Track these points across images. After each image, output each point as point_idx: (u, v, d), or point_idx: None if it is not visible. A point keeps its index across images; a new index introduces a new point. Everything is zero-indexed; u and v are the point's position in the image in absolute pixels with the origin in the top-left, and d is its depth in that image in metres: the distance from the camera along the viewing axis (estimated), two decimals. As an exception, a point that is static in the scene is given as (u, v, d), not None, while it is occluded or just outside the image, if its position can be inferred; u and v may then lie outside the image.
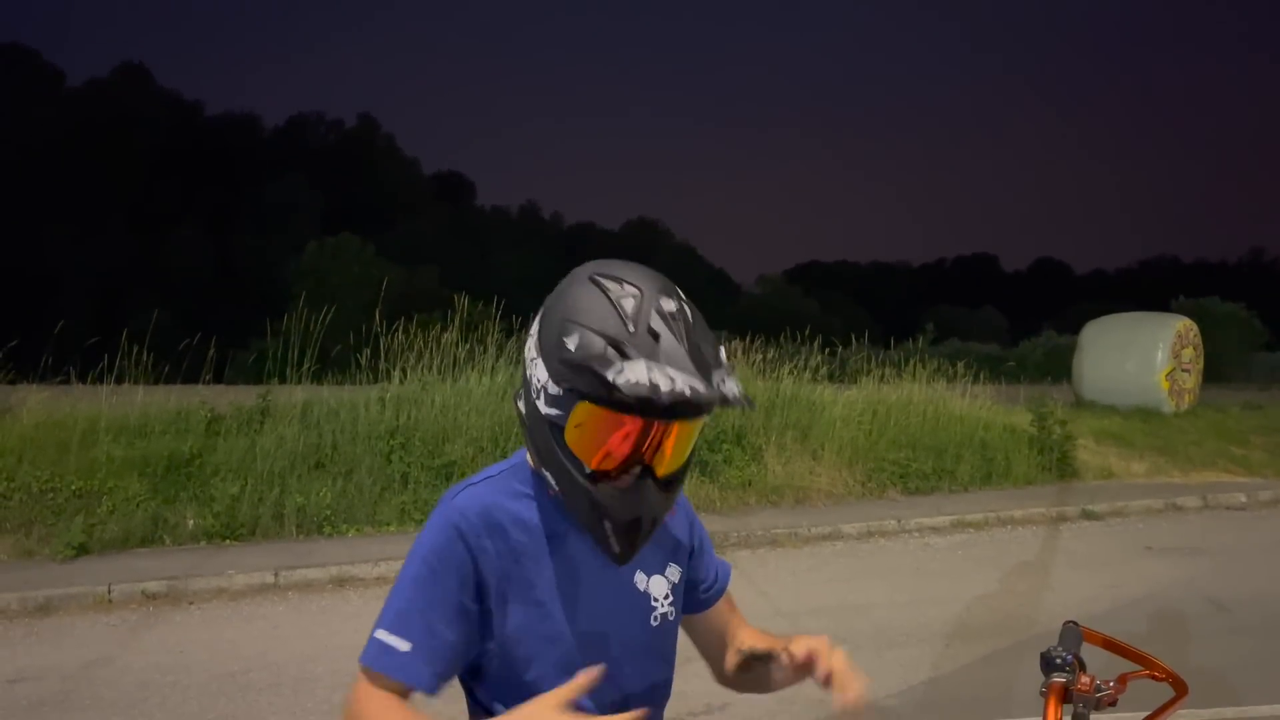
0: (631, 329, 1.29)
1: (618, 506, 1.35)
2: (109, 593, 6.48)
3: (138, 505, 7.82)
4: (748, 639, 1.60)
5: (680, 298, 1.36)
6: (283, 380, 9.70)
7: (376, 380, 10.03)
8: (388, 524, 8.28)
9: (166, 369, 9.82)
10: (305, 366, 9.68)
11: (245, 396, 9.64)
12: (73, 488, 7.82)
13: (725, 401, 1.31)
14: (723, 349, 1.38)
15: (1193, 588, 6.79)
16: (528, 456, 1.50)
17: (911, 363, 12.75)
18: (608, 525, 1.36)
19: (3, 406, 8.85)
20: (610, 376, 1.25)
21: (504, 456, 1.69)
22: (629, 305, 1.31)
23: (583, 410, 1.32)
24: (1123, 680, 1.53)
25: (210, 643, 5.78)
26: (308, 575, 6.97)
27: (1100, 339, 16.00)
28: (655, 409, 1.26)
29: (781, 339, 12.63)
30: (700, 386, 1.26)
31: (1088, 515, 9.45)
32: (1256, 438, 13.20)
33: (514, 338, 10.41)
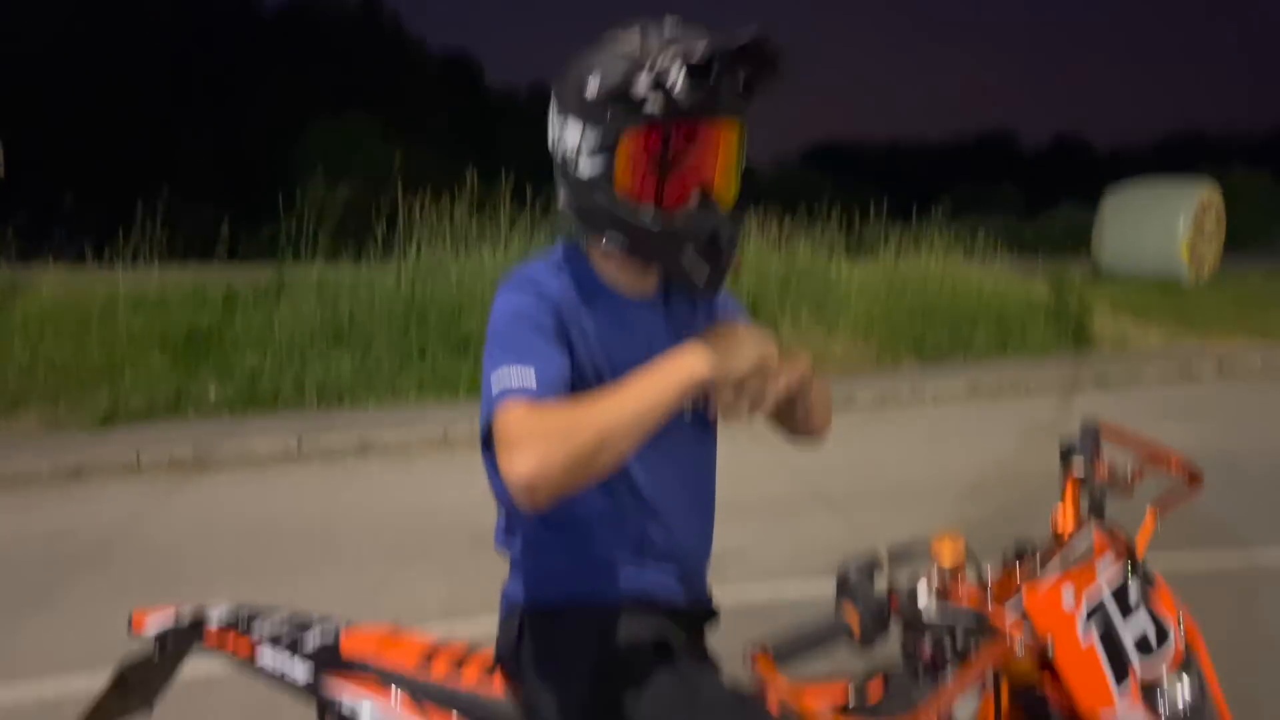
0: (647, 43, 1.33)
1: (693, 225, 1.36)
2: (138, 459, 6.61)
3: (160, 377, 7.93)
4: None
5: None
6: (296, 257, 9.70)
7: (390, 257, 10.01)
8: (407, 393, 8.38)
9: (180, 246, 9.82)
10: (319, 243, 9.66)
11: (260, 274, 9.67)
12: (96, 361, 7.92)
13: (762, 53, 1.31)
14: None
15: (1205, 449, 6.79)
16: (578, 248, 1.52)
17: (929, 234, 12.60)
18: (689, 249, 1.37)
19: (21, 284, 8.91)
20: (641, 79, 1.29)
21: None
22: (634, 36, 1.35)
23: (625, 144, 1.34)
24: (1139, 470, 1.55)
25: (239, 505, 5.94)
26: (330, 443, 7.09)
27: (1122, 208, 15.75)
28: (675, 100, 1.28)
29: (798, 212, 12.47)
30: (730, 39, 1.28)
31: (1103, 382, 9.46)
32: (1276, 306, 13.08)
33: (525, 210, 10.32)
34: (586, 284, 1.47)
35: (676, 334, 1.54)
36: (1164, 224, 14.92)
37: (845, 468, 6.52)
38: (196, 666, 3.28)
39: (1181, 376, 9.83)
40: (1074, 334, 11.20)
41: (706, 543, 1.62)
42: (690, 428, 1.56)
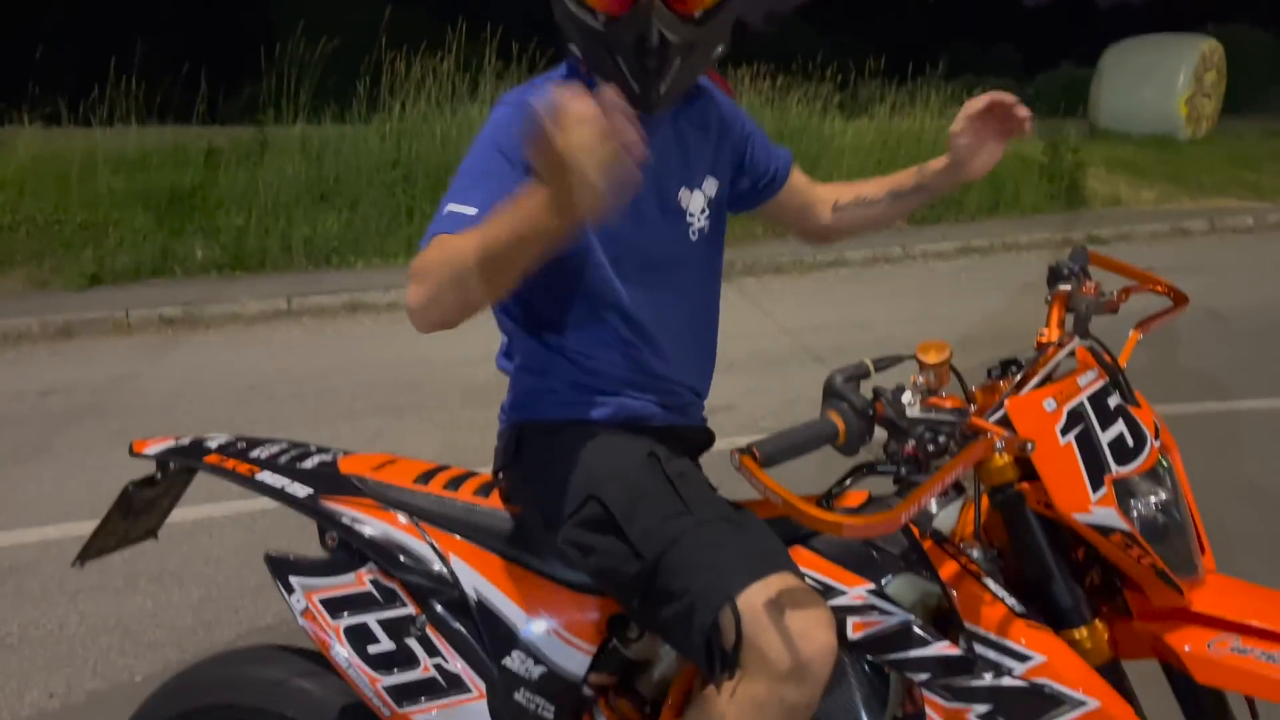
0: None
1: (622, 31, 1.32)
2: (127, 317, 6.61)
3: (145, 237, 7.86)
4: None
5: None
6: (279, 115, 9.47)
7: (375, 115, 9.78)
8: (396, 255, 8.33)
9: (158, 104, 9.56)
10: (301, 100, 9.42)
11: (242, 133, 9.46)
12: (78, 220, 7.83)
13: None
14: None
15: (1192, 302, 6.88)
16: (580, 67, 1.47)
17: (925, 91, 12.34)
18: (621, 61, 1.34)
19: (-3, 141, 8.72)
20: None
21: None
22: None
23: None
24: (1125, 290, 1.57)
25: (231, 361, 5.97)
26: (320, 302, 7.08)
27: (1121, 63, 15.39)
28: None
29: (792, 67, 12.16)
30: None
31: (1094, 240, 9.44)
32: (1271, 164, 12.97)
33: (512, 65, 10.05)
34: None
35: (684, 151, 1.52)
36: (1163, 79, 14.62)
37: (835, 325, 6.57)
38: (199, 509, 3.40)
39: (1173, 234, 9.82)
40: (1067, 193, 11.12)
41: (706, 376, 1.64)
42: (698, 265, 1.57)
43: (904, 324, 6.54)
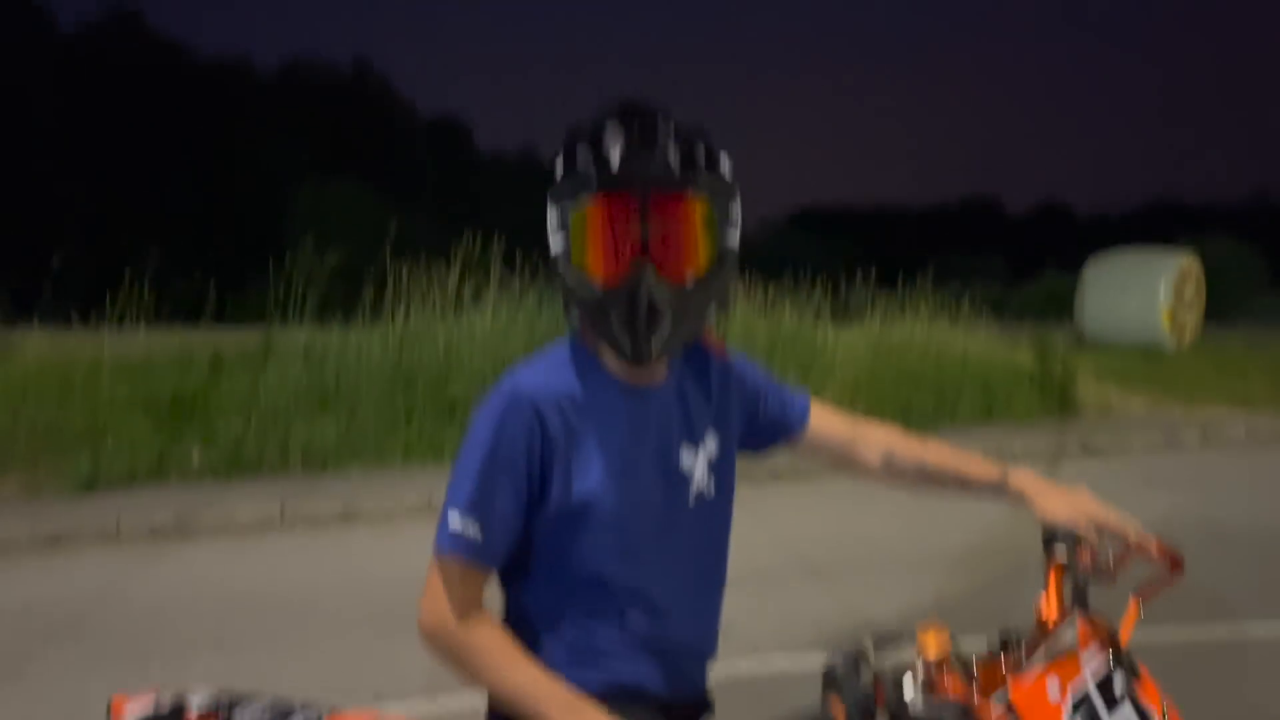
0: (595, 120, 1.41)
1: (615, 295, 1.38)
2: (117, 526, 6.53)
3: (143, 442, 7.87)
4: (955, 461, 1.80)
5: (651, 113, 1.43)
6: (284, 320, 9.70)
7: (379, 320, 10.03)
8: (393, 461, 8.33)
9: (167, 309, 9.81)
10: (307, 307, 9.67)
11: (247, 336, 9.66)
12: (78, 425, 7.86)
13: (688, 173, 1.38)
14: (707, 150, 1.43)
15: (1192, 518, 6.83)
16: (580, 339, 1.54)
17: (914, 300, 12.72)
18: (613, 318, 1.39)
19: (4, 347, 8.87)
20: (580, 153, 1.38)
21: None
22: (591, 118, 1.44)
23: (575, 220, 1.40)
24: (1122, 557, 1.56)
25: (219, 574, 5.86)
26: (314, 510, 7.02)
27: (1103, 275, 15.97)
28: (609, 170, 1.35)
29: (783, 277, 12.57)
30: (647, 150, 1.36)
31: (1088, 450, 9.49)
32: (1257, 374, 13.21)
33: (515, 275, 10.38)
34: (589, 378, 1.49)
35: (686, 413, 1.55)
36: (1145, 292, 15.13)
37: (834, 537, 6.50)
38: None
39: (1166, 444, 9.87)
40: (1059, 401, 11.26)
41: (711, 637, 1.64)
42: (701, 526, 1.58)
43: (904, 536, 6.48)
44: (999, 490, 1.72)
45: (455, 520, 1.39)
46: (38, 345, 8.79)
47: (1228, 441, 10.04)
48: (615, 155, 1.35)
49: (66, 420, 7.89)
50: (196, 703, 1.63)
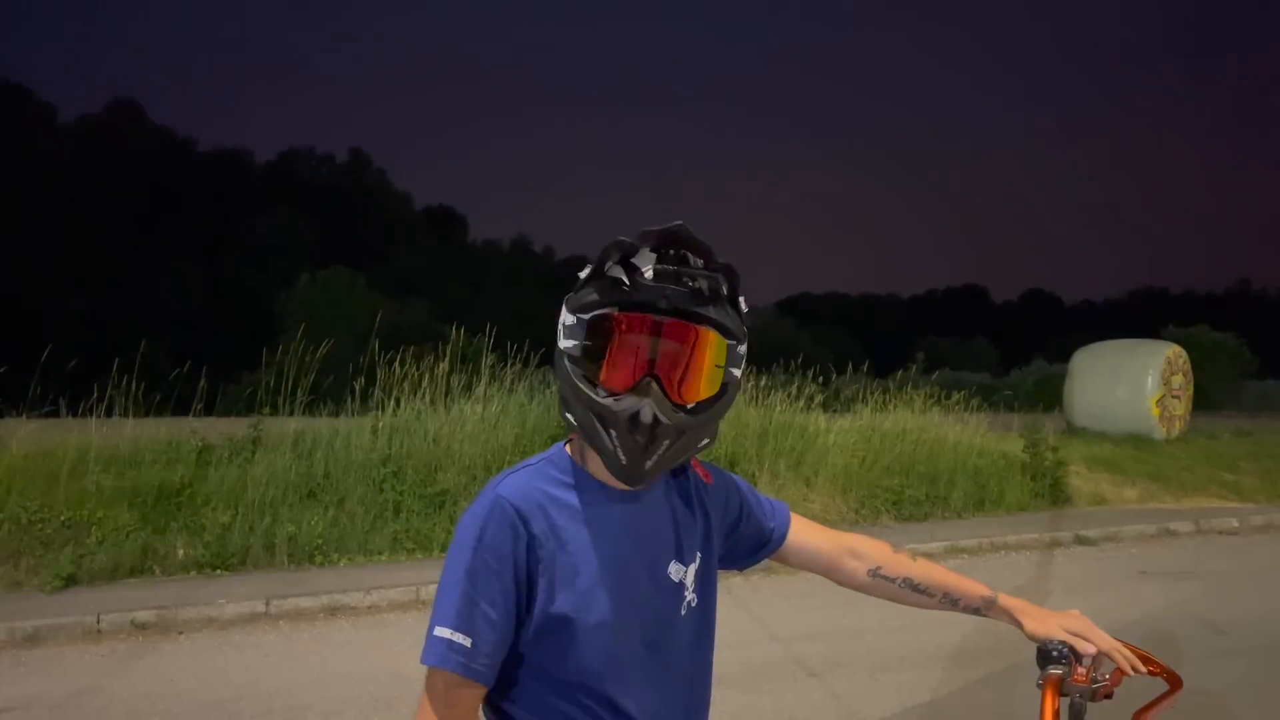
0: (628, 251, 1.43)
1: (618, 407, 1.39)
2: (98, 623, 6.41)
3: (127, 535, 7.75)
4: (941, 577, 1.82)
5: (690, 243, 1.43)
6: (274, 411, 9.66)
7: (369, 411, 10.00)
8: (380, 553, 8.23)
9: (157, 399, 9.77)
10: (298, 397, 9.65)
11: (236, 427, 9.59)
12: (62, 518, 7.74)
13: (708, 306, 1.41)
14: (730, 289, 1.46)
15: (1187, 611, 6.78)
16: (565, 447, 1.55)
17: (905, 390, 12.77)
18: (612, 434, 1.40)
19: (-8, 438, 8.79)
20: (608, 271, 1.41)
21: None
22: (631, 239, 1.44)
23: (593, 326, 1.42)
24: (1118, 673, 1.54)
25: (200, 672, 5.72)
26: (299, 604, 6.91)
27: (1091, 366, 16.08)
28: (636, 288, 1.38)
29: (774, 367, 12.65)
30: (675, 277, 1.39)
31: (1081, 541, 9.44)
32: (1247, 463, 13.25)
33: (507, 366, 10.41)
34: (577, 485, 1.49)
35: (674, 527, 1.56)
36: (1133, 382, 15.23)
37: (827, 632, 6.41)
38: None
39: (1160, 535, 9.83)
40: (1051, 491, 11.24)
41: None
42: (689, 638, 1.57)
43: (895, 631, 6.39)
44: (989, 608, 1.74)
45: (444, 632, 1.38)
46: (24, 437, 8.70)
47: (1220, 533, 10.02)
48: (645, 276, 1.39)
49: (51, 513, 7.78)
50: None
